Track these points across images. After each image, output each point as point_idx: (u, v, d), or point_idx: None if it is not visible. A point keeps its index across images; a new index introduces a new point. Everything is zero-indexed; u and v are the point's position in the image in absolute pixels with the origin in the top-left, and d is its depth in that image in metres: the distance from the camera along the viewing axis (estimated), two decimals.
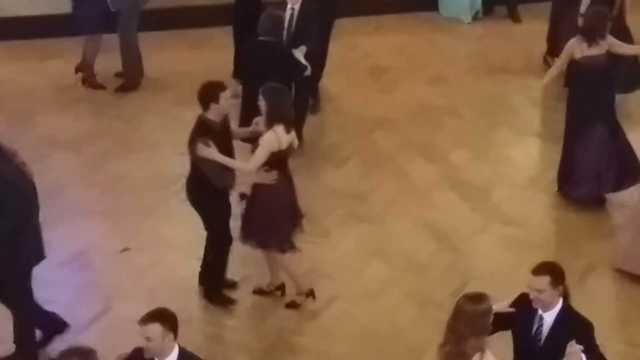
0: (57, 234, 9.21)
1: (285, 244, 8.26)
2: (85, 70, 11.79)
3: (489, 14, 14.04)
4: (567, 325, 6.27)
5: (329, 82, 11.94)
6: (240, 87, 10.10)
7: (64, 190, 9.92)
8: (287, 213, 8.25)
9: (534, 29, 12.83)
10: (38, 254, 7.66)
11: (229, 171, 8.04)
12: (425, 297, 8.56)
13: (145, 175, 10.25)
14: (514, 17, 13.89)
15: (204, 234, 9.07)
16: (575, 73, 9.84)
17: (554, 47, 12.23)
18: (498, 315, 6.22)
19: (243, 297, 8.56)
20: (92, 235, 9.24)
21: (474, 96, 11.97)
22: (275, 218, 8.16)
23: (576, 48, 9.58)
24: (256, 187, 8.18)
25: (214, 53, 12.27)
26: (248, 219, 8.28)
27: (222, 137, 8.05)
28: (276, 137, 7.92)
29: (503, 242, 9.39)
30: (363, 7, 13.68)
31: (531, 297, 6.28)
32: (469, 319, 5.94)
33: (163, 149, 10.69)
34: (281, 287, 8.53)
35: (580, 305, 8.55)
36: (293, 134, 8.13)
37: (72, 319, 8.20)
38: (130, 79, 11.81)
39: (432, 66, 12.66)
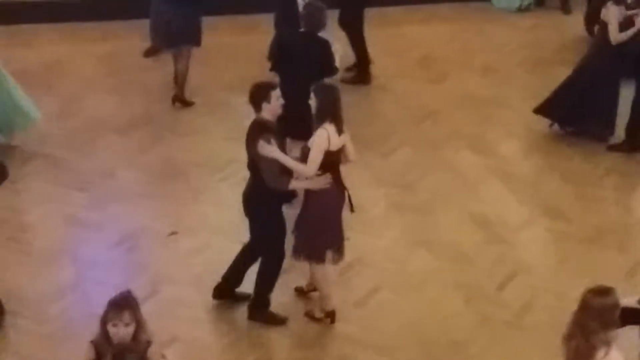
0: (106, 216, 9.33)
1: (322, 255, 7.95)
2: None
3: (541, 5, 13.99)
4: None
5: (378, 71, 11.93)
6: None
7: (113, 173, 10.00)
8: (330, 224, 7.89)
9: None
10: None
11: (286, 175, 7.72)
12: (470, 288, 8.54)
13: (192, 159, 10.30)
14: (565, 9, 13.82)
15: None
16: None
17: (590, 28, 12.24)
18: (626, 310, 6.12)
19: (286, 284, 8.55)
20: (140, 218, 9.30)
21: (524, 87, 11.90)
22: (321, 228, 7.83)
23: None
24: (307, 195, 7.86)
25: (262, 39, 12.28)
26: (299, 228, 7.95)
27: (278, 140, 7.79)
28: (327, 135, 7.64)
29: (550, 235, 9.34)
30: None
31: None
32: (597, 313, 5.88)
33: (211, 133, 10.74)
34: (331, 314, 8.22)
35: None
36: (345, 137, 7.82)
37: None
38: None
39: (482, 57, 12.61)
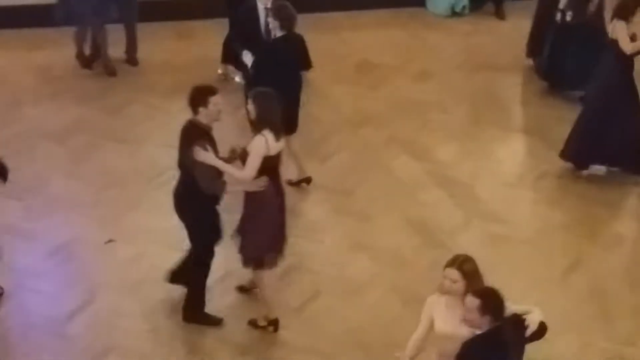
0: (42, 225, 9.25)
1: (262, 259, 7.97)
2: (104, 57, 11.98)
3: (478, 10, 14.09)
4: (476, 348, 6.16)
5: (316, 77, 11.94)
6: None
7: (49, 181, 9.91)
8: (271, 227, 7.94)
9: (519, 26, 12.85)
10: None
11: (220, 179, 7.76)
12: (409, 292, 8.57)
13: (130, 167, 10.24)
14: (499, 14, 13.96)
15: None
16: None
17: (534, 48, 12.22)
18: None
19: (225, 290, 8.54)
20: (77, 227, 9.23)
21: (461, 93, 11.99)
22: (260, 230, 7.85)
23: None
24: (246, 198, 7.90)
25: (200, 45, 12.27)
26: (239, 231, 7.98)
27: (213, 144, 7.81)
28: (265, 141, 7.69)
29: (487, 238, 9.41)
30: (351, 2, 13.70)
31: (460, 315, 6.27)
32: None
33: (148, 141, 10.69)
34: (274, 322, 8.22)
35: (562, 302, 8.65)
36: (283, 142, 7.92)
37: (56, 310, 8.21)
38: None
39: (419, 62, 12.68)
